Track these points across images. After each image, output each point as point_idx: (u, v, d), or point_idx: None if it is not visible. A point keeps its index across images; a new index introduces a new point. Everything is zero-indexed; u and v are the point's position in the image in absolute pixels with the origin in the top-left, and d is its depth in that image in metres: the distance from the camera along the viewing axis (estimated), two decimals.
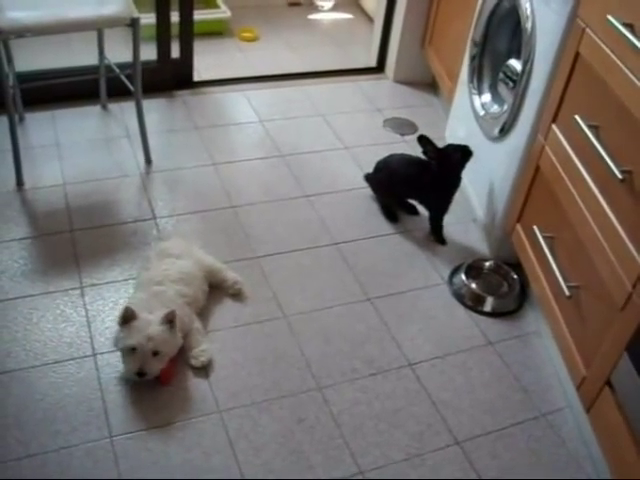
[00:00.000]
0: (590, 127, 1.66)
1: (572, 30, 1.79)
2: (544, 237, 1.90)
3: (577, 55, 1.76)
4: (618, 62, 1.55)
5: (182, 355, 1.87)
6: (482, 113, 2.35)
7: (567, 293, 1.71)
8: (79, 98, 2.85)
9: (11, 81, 2.43)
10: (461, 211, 2.52)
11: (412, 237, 2.40)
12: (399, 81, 3.32)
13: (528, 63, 2.02)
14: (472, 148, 2.28)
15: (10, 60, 2.51)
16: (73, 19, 2.23)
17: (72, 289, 2.06)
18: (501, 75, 2.23)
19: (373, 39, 3.42)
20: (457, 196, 2.45)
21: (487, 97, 2.37)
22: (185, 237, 2.22)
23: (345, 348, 1.98)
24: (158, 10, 2.84)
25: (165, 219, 2.36)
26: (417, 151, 2.35)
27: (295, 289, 2.15)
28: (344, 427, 1.77)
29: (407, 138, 2.88)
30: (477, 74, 2.42)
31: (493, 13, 2.31)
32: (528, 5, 2.03)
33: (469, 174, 2.43)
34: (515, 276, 2.23)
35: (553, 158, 1.87)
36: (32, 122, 2.75)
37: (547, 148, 1.91)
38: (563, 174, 1.81)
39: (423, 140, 2.30)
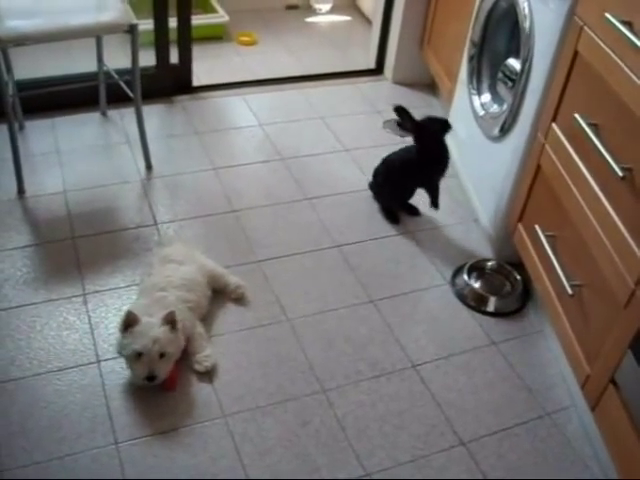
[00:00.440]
0: (590, 125, 1.66)
1: (570, 29, 1.79)
2: (546, 236, 1.90)
3: (576, 53, 1.76)
4: (617, 60, 1.55)
5: (186, 360, 1.87)
6: (482, 113, 2.35)
7: (570, 292, 1.71)
8: (79, 105, 2.85)
9: (11, 89, 2.43)
10: (463, 211, 2.53)
11: (414, 238, 2.40)
12: (398, 82, 3.32)
13: (527, 62, 2.02)
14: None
15: (9, 68, 2.51)
16: (71, 26, 2.24)
17: (75, 296, 2.06)
18: (500, 75, 2.23)
19: (371, 41, 3.42)
20: (458, 196, 2.46)
21: (486, 97, 2.37)
22: (187, 242, 2.22)
23: (349, 350, 1.98)
24: (156, 16, 2.84)
25: (166, 224, 2.36)
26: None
27: (298, 292, 2.15)
28: (349, 429, 1.77)
29: (407, 139, 2.87)
30: (476, 74, 2.43)
31: (491, 13, 2.31)
32: (526, 4, 2.03)
33: (470, 174, 2.43)
34: (517, 276, 2.23)
35: (553, 157, 1.87)
36: (32, 130, 2.76)
37: (547, 147, 1.91)
38: (564, 173, 1.81)
39: (400, 111, 2.27)
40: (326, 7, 4.05)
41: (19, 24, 2.18)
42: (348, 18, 4.04)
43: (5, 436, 1.68)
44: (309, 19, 4.00)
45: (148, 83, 2.65)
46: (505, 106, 2.19)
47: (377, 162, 2.47)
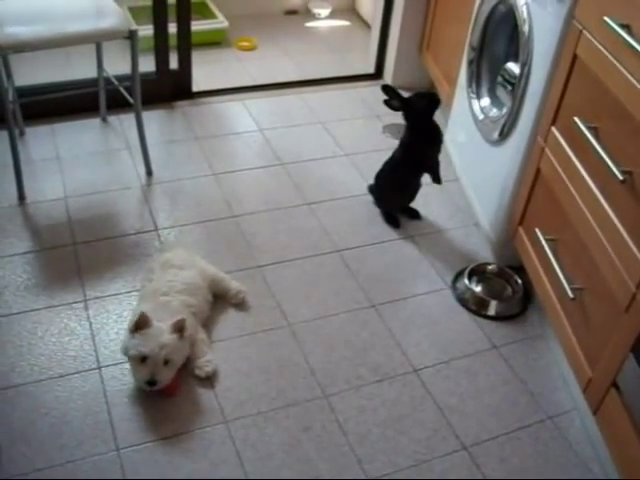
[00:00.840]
0: (589, 128, 1.66)
1: (569, 32, 1.79)
2: (546, 240, 1.90)
3: (575, 57, 1.76)
4: (616, 63, 1.56)
5: (187, 366, 1.87)
6: (481, 117, 2.35)
7: (571, 295, 1.71)
8: (79, 111, 2.86)
9: (11, 96, 2.44)
10: (463, 215, 2.53)
11: (415, 242, 2.40)
12: (397, 87, 3.28)
13: (526, 66, 2.02)
14: (439, 96, 2.24)
15: (9, 75, 2.52)
16: (71, 33, 2.24)
17: (76, 302, 2.06)
18: (499, 79, 2.23)
19: (371, 45, 3.43)
20: (459, 200, 2.46)
21: (486, 101, 2.38)
22: (187, 247, 2.22)
23: (350, 355, 1.98)
24: (156, 22, 2.85)
25: (167, 230, 2.36)
26: None
27: (298, 297, 2.15)
28: (350, 435, 1.77)
29: None
30: (475, 78, 2.43)
31: (490, 17, 2.32)
32: (524, 8, 2.03)
33: (470, 178, 2.43)
34: (518, 279, 2.23)
35: (553, 160, 1.87)
36: (32, 136, 2.76)
37: (547, 150, 1.92)
38: (564, 176, 1.81)
39: (387, 90, 2.28)
40: (325, 12, 4.06)
41: (19, 31, 2.18)
42: (347, 23, 4.05)
43: (6, 443, 1.68)
44: (308, 24, 4.01)
45: (148, 89, 2.66)
46: (505, 110, 2.19)
47: (377, 166, 2.46)
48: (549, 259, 1.84)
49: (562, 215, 1.83)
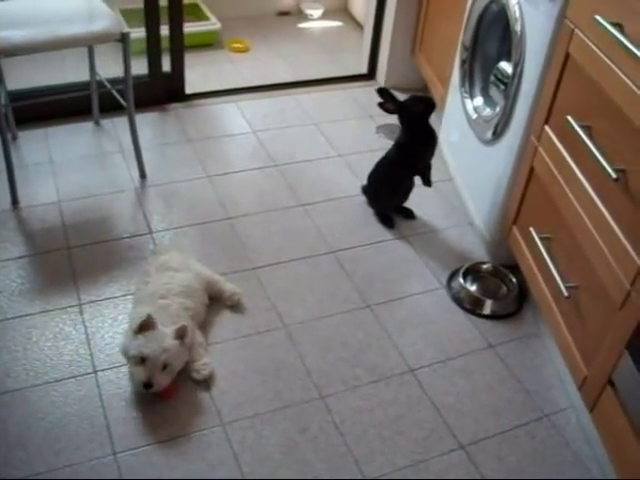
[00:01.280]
0: (582, 127, 1.66)
1: (561, 31, 1.80)
2: (541, 238, 1.90)
3: (567, 56, 1.77)
4: (608, 62, 1.56)
5: (184, 369, 1.87)
6: (474, 116, 2.36)
7: (565, 293, 1.71)
8: (71, 115, 2.85)
9: (3, 100, 2.43)
10: (457, 215, 2.53)
11: (409, 243, 2.41)
12: (390, 87, 3.30)
13: (519, 65, 2.03)
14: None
15: (1, 79, 2.51)
16: (63, 36, 2.23)
17: (70, 306, 2.06)
18: (492, 78, 2.24)
19: (363, 46, 3.43)
20: (453, 200, 2.46)
21: (479, 100, 2.38)
22: (182, 250, 2.22)
23: (346, 356, 1.98)
24: (148, 24, 2.85)
25: (161, 233, 2.36)
26: None
27: (294, 299, 2.15)
28: (347, 435, 1.77)
29: None
30: (468, 78, 2.43)
31: (482, 17, 2.32)
32: (516, 7, 2.04)
33: (464, 178, 2.43)
34: (513, 278, 2.23)
35: (547, 159, 1.88)
36: (25, 140, 2.75)
37: (540, 149, 1.92)
38: (557, 175, 1.82)
39: (383, 93, 2.28)
40: (318, 13, 4.06)
41: (10, 35, 2.17)
42: (340, 24, 4.05)
43: (3, 448, 1.67)
44: (301, 25, 4.01)
45: (141, 91, 2.65)
46: (498, 109, 2.19)
47: (371, 167, 2.47)
48: (543, 258, 1.85)
49: (556, 214, 1.83)
